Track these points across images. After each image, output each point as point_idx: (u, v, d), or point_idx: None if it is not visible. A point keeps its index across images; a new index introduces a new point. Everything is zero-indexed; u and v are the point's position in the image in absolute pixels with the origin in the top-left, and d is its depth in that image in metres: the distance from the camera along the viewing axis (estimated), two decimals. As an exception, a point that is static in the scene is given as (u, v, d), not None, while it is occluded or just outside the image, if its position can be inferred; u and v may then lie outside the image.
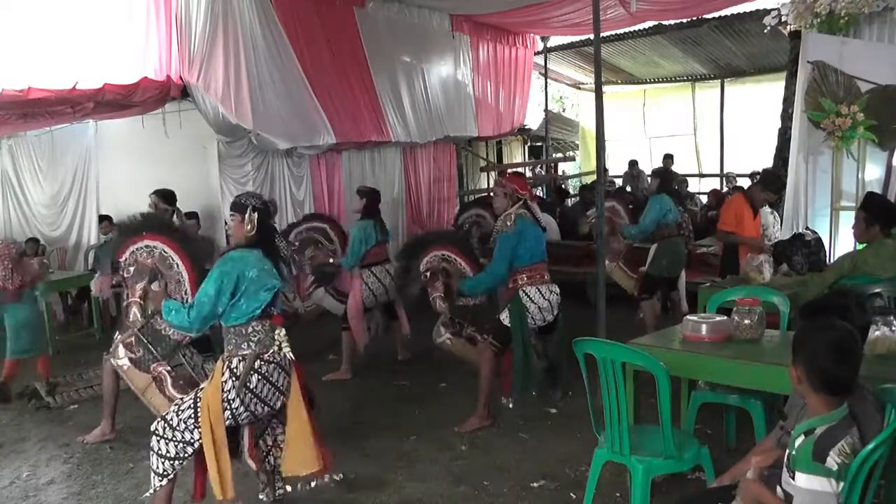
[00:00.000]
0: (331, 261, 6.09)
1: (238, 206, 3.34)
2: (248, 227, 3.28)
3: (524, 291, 4.52)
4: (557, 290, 4.68)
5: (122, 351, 3.95)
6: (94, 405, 5.35)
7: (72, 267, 8.53)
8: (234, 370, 3.17)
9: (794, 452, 2.07)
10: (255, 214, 3.29)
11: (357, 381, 5.68)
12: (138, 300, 3.93)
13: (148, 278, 3.91)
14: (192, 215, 6.65)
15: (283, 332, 3.30)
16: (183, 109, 6.97)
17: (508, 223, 4.54)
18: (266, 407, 3.26)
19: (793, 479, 2.06)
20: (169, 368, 3.91)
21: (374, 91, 8.29)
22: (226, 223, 5.66)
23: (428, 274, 4.98)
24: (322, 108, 7.43)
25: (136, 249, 3.91)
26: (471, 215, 7.82)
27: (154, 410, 3.79)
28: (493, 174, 12.09)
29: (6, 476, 4.18)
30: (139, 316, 3.96)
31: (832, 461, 1.99)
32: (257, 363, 3.18)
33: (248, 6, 6.73)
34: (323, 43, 7.64)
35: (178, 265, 3.88)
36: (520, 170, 11.41)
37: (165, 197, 5.57)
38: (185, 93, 6.57)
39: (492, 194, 5.21)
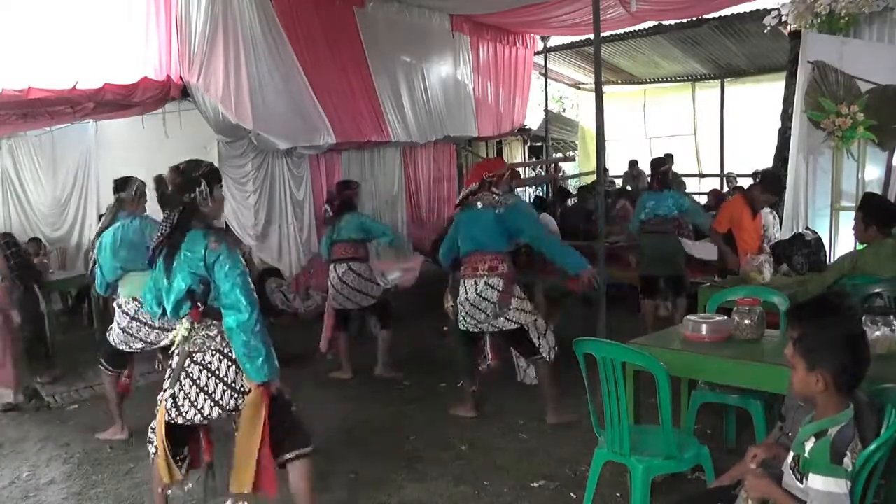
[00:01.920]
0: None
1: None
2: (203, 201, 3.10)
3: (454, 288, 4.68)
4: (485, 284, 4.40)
5: None
6: (94, 405, 5.35)
7: (72, 267, 8.52)
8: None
9: (806, 455, 2.05)
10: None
11: (357, 381, 5.67)
12: None
13: None
14: None
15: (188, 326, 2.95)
16: (183, 109, 6.98)
17: (509, 200, 4.56)
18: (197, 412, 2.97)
19: (801, 481, 2.04)
20: None
21: (374, 91, 8.29)
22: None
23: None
24: (322, 108, 7.43)
25: None
26: None
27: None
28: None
29: (6, 476, 4.18)
30: None
31: (848, 462, 1.99)
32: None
33: (248, 6, 6.73)
34: (323, 43, 7.64)
35: None
36: (518, 169, 11.41)
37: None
38: (185, 93, 6.56)
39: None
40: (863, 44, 6.28)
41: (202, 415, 2.97)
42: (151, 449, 3.14)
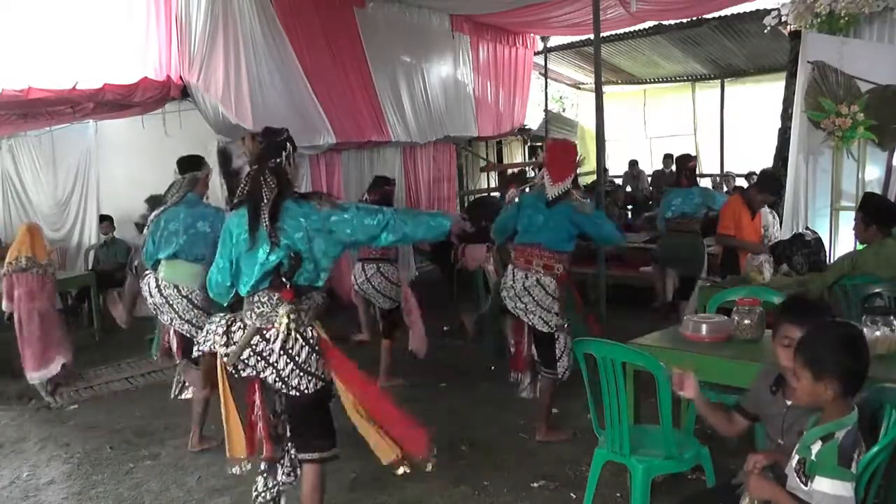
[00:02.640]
0: None
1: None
2: None
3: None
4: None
5: None
6: (94, 405, 5.36)
7: (72, 267, 8.53)
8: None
9: (812, 458, 2.04)
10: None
11: (357, 381, 5.66)
12: None
13: None
14: None
15: (292, 309, 2.82)
16: (183, 109, 6.98)
17: (586, 200, 4.34)
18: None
19: (806, 484, 2.04)
20: None
21: (374, 91, 8.29)
22: None
23: None
24: (322, 108, 7.42)
25: None
26: None
27: None
28: (493, 174, 12.11)
29: (6, 476, 4.18)
30: None
31: (855, 466, 1.99)
32: (255, 338, 2.84)
33: (248, 6, 6.73)
34: (323, 43, 7.64)
35: None
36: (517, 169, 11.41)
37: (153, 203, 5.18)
38: (185, 93, 6.57)
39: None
40: (863, 44, 6.27)
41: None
42: None
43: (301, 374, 2.84)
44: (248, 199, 2.84)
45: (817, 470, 2.02)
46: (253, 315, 2.82)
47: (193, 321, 4.09)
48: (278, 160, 2.85)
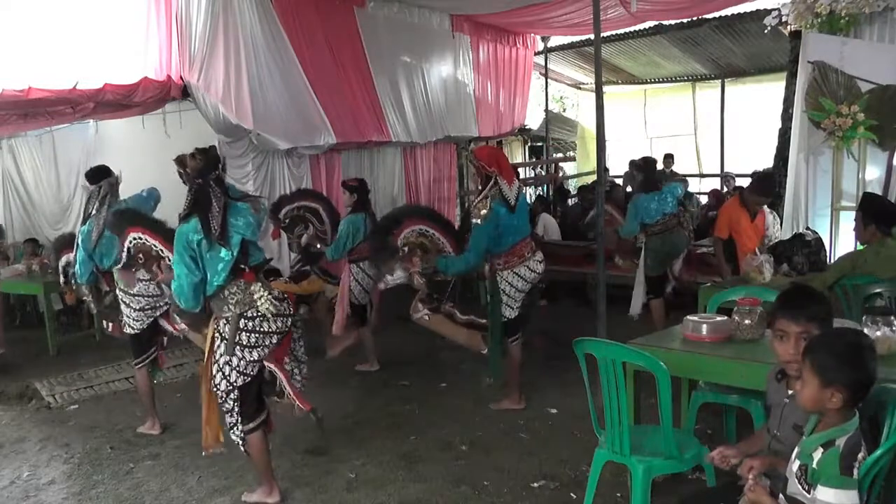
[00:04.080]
0: (318, 246, 6.08)
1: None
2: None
3: (501, 276, 4.67)
4: (539, 259, 4.73)
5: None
6: (94, 405, 5.36)
7: (72, 267, 8.50)
8: (223, 332, 3.40)
9: (814, 466, 2.02)
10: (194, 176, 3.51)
11: (357, 381, 5.68)
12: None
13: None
14: None
15: (259, 285, 3.42)
16: (183, 109, 6.98)
17: (482, 212, 4.58)
18: (265, 349, 3.45)
19: (809, 492, 2.03)
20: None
21: (374, 91, 8.28)
22: None
23: (406, 249, 4.87)
24: (322, 108, 7.42)
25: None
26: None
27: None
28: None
29: (6, 476, 4.19)
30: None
31: (857, 473, 1.98)
32: (241, 322, 3.37)
33: (248, 6, 6.73)
34: (323, 43, 7.64)
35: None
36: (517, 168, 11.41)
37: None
38: (185, 93, 6.56)
39: (473, 172, 5.16)
40: (863, 44, 6.27)
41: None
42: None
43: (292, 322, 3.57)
44: (197, 208, 3.33)
45: (819, 479, 2.00)
46: (228, 307, 3.36)
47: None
48: (217, 171, 3.40)
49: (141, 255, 4.27)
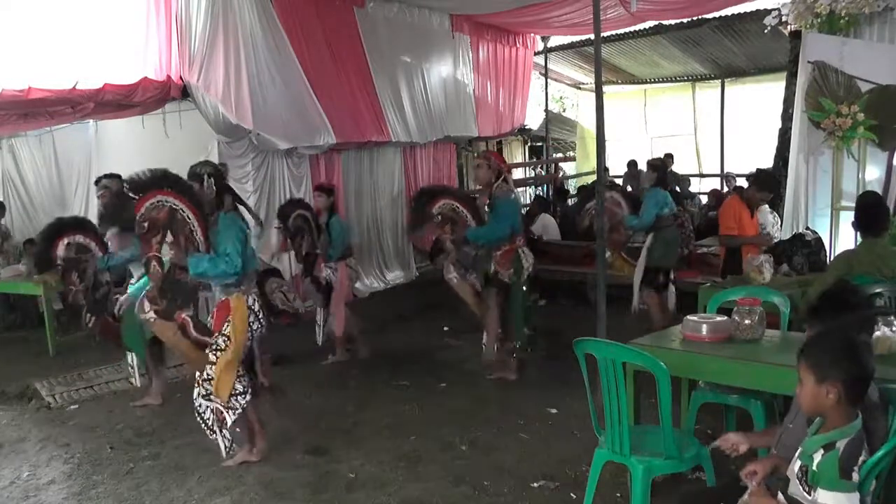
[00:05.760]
0: (317, 251, 6.10)
1: (194, 176, 3.92)
2: (209, 192, 3.88)
3: (522, 251, 5.22)
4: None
5: (147, 305, 4.08)
6: (94, 405, 5.36)
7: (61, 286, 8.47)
8: (252, 305, 3.97)
9: (814, 468, 2.02)
10: (212, 180, 3.91)
11: (357, 381, 5.67)
12: (156, 254, 3.95)
13: (162, 233, 3.92)
14: None
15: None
16: (183, 109, 6.98)
17: (507, 190, 5.20)
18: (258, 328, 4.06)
19: (809, 493, 2.03)
20: (190, 313, 4.09)
21: (374, 91, 8.29)
22: None
23: (440, 217, 5.36)
24: (322, 108, 7.43)
25: (149, 206, 3.88)
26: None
27: (180, 354, 4.37)
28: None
29: (6, 476, 4.18)
30: (159, 269, 3.96)
31: (857, 476, 1.98)
32: (251, 299, 4.00)
33: (248, 6, 6.73)
34: (323, 43, 7.65)
35: (189, 217, 3.93)
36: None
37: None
38: (185, 93, 6.57)
39: (475, 166, 5.51)
40: (863, 44, 6.27)
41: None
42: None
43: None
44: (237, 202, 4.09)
45: (819, 481, 2.00)
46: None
47: None
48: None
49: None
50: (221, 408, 3.94)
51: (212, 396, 3.94)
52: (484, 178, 5.21)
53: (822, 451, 2.02)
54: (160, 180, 3.90)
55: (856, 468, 1.98)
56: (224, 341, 3.90)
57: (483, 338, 5.47)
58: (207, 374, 3.93)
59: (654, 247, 6.10)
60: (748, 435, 2.46)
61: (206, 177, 3.90)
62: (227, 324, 3.91)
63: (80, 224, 5.25)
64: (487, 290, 5.33)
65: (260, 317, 4.08)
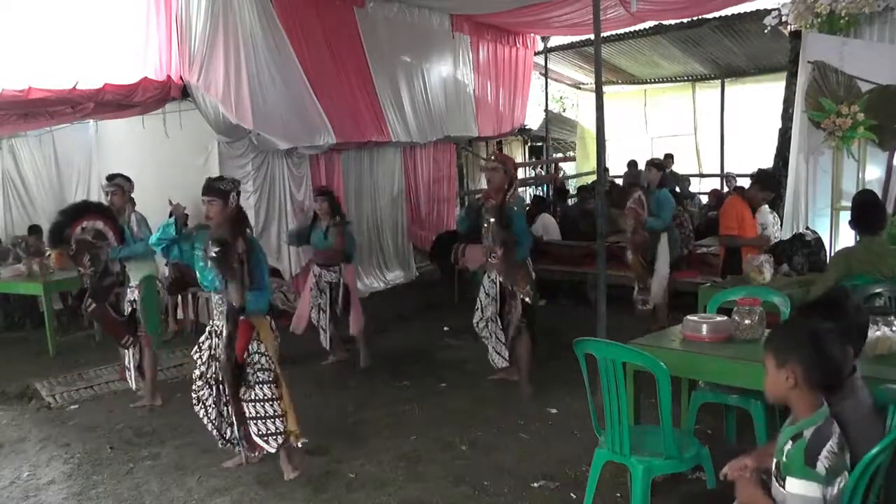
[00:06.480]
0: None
1: (219, 192, 3.77)
2: (234, 207, 3.78)
3: (528, 261, 5.04)
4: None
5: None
6: (94, 405, 5.36)
7: (73, 267, 8.48)
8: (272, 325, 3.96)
9: (784, 459, 2.04)
10: (238, 197, 3.84)
11: (357, 381, 5.68)
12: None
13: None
14: None
15: None
16: (183, 109, 6.97)
17: (519, 198, 5.05)
18: None
19: (782, 485, 2.03)
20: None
21: (374, 91, 8.29)
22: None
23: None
24: (322, 108, 7.42)
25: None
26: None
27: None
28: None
29: (6, 476, 4.18)
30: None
31: (822, 466, 1.95)
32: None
33: (248, 6, 6.73)
34: (323, 43, 7.64)
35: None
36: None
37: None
38: (185, 93, 6.56)
39: (490, 168, 5.09)
40: (863, 44, 6.27)
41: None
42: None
43: None
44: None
45: (787, 471, 2.01)
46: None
47: None
48: None
49: None
50: (282, 437, 3.83)
51: (278, 424, 3.81)
52: (498, 183, 4.86)
53: (790, 443, 2.04)
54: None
55: (821, 458, 1.96)
56: (267, 361, 3.81)
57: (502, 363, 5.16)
58: (255, 396, 3.79)
59: (670, 246, 6.18)
60: (754, 455, 2.42)
61: (233, 194, 3.80)
62: (258, 343, 3.79)
63: (102, 211, 5.15)
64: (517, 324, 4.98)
65: None
